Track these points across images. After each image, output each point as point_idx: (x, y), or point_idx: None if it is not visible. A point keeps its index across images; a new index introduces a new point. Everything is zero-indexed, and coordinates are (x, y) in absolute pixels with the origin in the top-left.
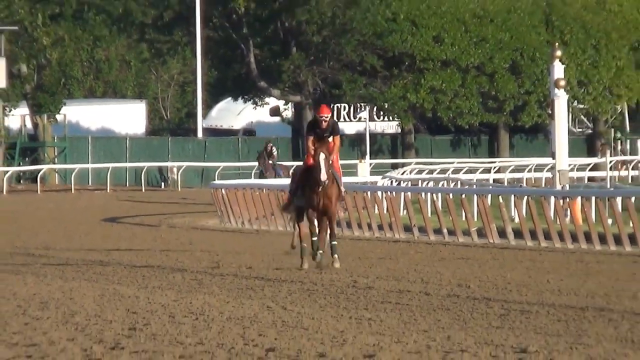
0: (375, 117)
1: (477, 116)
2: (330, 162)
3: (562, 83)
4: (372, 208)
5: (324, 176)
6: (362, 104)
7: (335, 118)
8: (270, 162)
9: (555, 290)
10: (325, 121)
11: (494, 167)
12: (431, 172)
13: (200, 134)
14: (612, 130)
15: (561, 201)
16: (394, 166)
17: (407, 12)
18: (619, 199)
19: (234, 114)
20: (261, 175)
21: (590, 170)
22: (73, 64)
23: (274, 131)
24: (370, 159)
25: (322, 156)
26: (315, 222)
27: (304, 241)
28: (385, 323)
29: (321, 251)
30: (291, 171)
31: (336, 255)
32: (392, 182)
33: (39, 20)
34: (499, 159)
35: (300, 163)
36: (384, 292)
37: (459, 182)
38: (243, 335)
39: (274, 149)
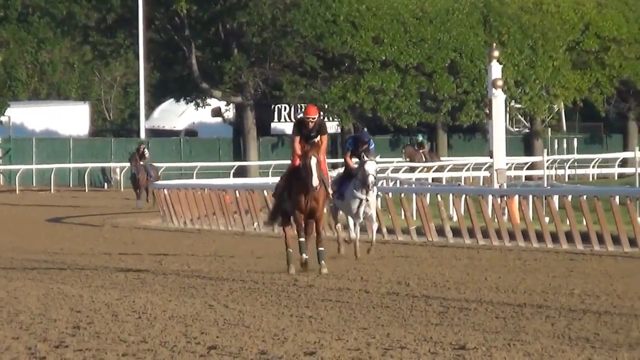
0: None
1: (416, 116)
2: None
3: (500, 83)
4: None
5: (315, 181)
6: (303, 105)
7: (322, 118)
8: (142, 162)
9: (493, 287)
10: (311, 122)
11: (433, 167)
12: None
13: (142, 134)
14: (549, 130)
15: (499, 200)
16: (334, 166)
17: (347, 13)
18: (555, 198)
19: (176, 115)
20: (133, 176)
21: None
22: (17, 66)
23: (215, 132)
24: None
25: (313, 160)
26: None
27: (290, 246)
28: (326, 321)
29: (307, 256)
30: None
31: (323, 262)
32: None
33: None
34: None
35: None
36: (324, 290)
37: (398, 181)
38: (185, 333)
39: (146, 151)
